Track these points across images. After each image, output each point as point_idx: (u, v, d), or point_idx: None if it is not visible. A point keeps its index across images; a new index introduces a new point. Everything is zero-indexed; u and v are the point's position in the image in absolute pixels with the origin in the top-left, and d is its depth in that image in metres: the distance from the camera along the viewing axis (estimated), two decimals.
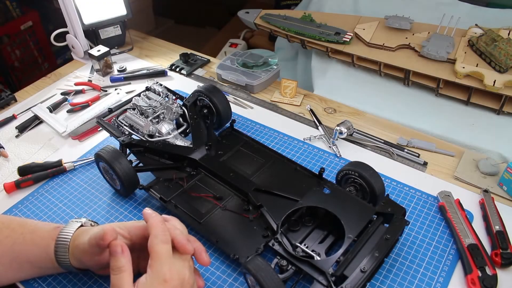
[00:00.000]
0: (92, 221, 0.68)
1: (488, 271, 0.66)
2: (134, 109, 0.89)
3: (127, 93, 1.13)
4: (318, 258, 0.64)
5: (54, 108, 1.08)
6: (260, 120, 1.02)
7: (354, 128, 0.96)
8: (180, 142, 0.86)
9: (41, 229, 0.67)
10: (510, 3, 1.23)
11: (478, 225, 0.75)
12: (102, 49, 1.18)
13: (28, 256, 0.65)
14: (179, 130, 0.89)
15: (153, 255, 0.56)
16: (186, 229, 0.63)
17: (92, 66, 1.24)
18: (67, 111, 1.08)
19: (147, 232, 0.60)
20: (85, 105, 1.09)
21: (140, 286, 0.55)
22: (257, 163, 0.85)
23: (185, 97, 0.93)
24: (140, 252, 0.63)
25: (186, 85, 1.15)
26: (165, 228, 0.59)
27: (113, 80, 1.18)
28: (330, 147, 0.93)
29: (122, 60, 1.28)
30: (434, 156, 0.91)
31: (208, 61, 1.25)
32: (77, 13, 1.20)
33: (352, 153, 0.92)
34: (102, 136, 1.00)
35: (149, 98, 0.88)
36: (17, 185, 0.87)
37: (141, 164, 0.84)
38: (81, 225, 0.65)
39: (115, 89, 1.14)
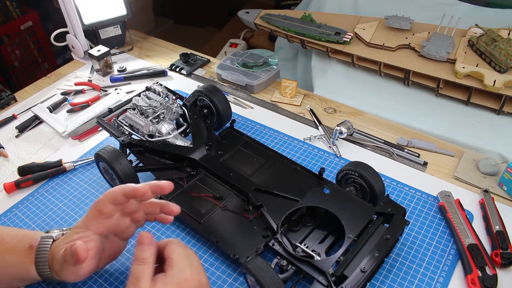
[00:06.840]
0: (64, 230, 0.65)
1: (488, 271, 0.66)
2: (134, 109, 0.89)
3: (127, 93, 1.13)
4: (318, 258, 0.64)
5: (54, 108, 1.08)
6: (260, 120, 1.02)
7: (354, 128, 0.96)
8: (180, 142, 0.86)
9: (18, 250, 0.63)
10: (510, 3, 1.23)
11: (478, 225, 0.75)
12: (102, 49, 1.18)
13: (13, 275, 0.64)
14: (179, 130, 0.89)
15: (172, 256, 0.57)
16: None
17: (92, 66, 1.24)
18: (67, 111, 1.08)
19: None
20: (85, 105, 1.09)
21: (160, 280, 0.54)
22: (257, 163, 0.85)
23: (185, 97, 0.93)
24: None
25: (186, 85, 1.15)
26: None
27: (113, 80, 1.18)
28: (330, 147, 0.93)
29: (122, 60, 1.28)
30: (434, 156, 0.91)
31: (208, 61, 1.25)
32: (77, 13, 1.20)
33: (352, 153, 0.92)
34: (102, 136, 1.00)
35: (149, 98, 0.88)
36: (17, 185, 0.87)
37: (141, 164, 0.84)
38: (53, 240, 0.63)
39: (115, 89, 1.14)
